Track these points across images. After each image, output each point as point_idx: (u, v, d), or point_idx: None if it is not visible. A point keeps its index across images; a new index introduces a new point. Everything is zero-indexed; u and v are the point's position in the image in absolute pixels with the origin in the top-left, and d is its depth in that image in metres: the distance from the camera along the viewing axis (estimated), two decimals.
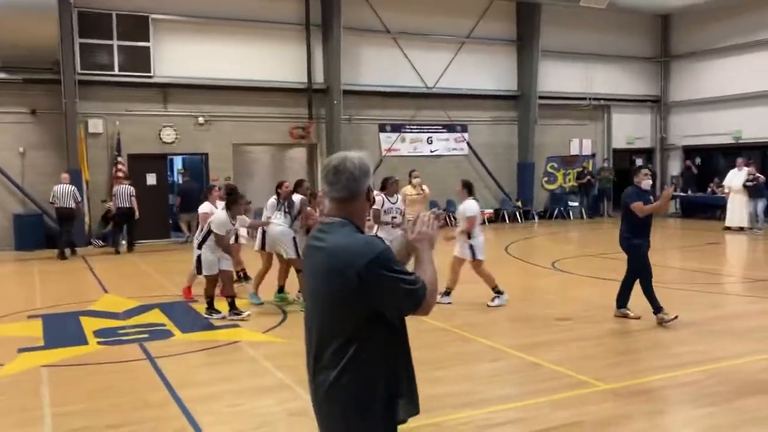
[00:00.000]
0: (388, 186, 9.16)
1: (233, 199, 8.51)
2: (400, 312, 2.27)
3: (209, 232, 8.45)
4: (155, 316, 8.70)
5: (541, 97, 22.07)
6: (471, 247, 8.87)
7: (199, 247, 8.53)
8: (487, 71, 21.62)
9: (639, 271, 7.72)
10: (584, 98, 23.04)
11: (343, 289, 2.21)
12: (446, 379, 5.89)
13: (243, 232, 10.71)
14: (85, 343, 7.46)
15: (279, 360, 6.56)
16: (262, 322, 8.32)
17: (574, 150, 23.44)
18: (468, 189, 9.04)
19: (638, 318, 7.93)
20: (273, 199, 9.28)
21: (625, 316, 8.02)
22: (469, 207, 8.81)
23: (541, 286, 10.54)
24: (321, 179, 2.40)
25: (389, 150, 20.50)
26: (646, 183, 7.73)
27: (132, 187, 16.14)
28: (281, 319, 8.47)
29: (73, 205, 15.21)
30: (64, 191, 15.23)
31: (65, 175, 15.72)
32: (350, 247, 2.22)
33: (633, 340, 7.18)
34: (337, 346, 2.25)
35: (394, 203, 9.08)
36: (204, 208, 9.57)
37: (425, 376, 5.94)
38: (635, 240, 7.64)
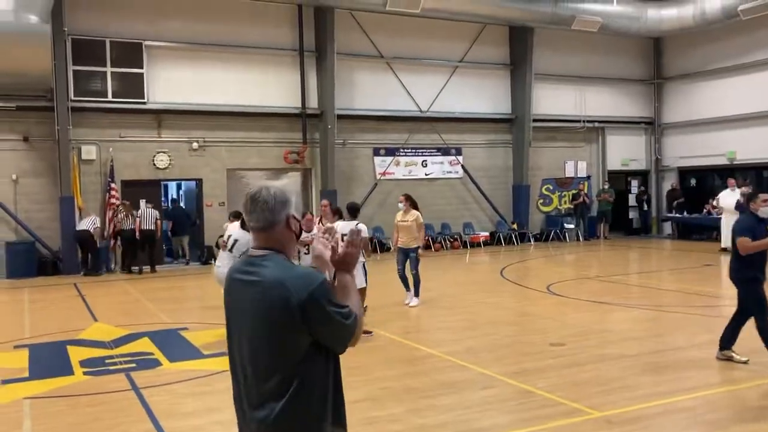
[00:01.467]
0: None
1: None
2: (338, 345, 2.26)
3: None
4: (143, 345, 8.58)
5: (535, 120, 22.13)
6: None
7: None
8: (480, 94, 21.71)
9: (753, 308, 6.78)
10: (578, 120, 23.12)
11: (285, 322, 2.16)
12: (436, 408, 5.77)
13: None
14: (71, 373, 7.34)
15: None
16: None
17: (569, 172, 23.46)
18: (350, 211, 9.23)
19: (746, 362, 6.94)
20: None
21: (730, 359, 7.06)
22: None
23: (535, 311, 10.43)
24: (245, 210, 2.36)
25: (384, 174, 20.49)
26: (764, 210, 6.80)
27: (156, 211, 17.04)
28: None
29: (153, 227, 16.48)
30: (148, 214, 16.60)
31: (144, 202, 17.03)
32: (289, 279, 2.18)
33: (628, 366, 7.06)
34: (281, 379, 2.20)
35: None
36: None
37: (414, 406, 5.83)
38: (747, 273, 6.76)
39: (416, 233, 10.68)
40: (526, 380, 6.54)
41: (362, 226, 8.66)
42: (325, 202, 10.02)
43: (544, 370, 6.94)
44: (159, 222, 16.98)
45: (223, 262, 8.76)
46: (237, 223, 8.88)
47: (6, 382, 7.02)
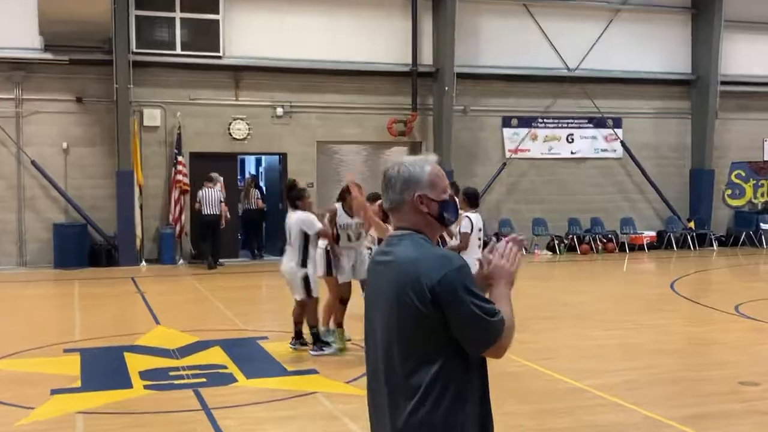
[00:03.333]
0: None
1: (297, 195, 8.96)
2: (473, 345, 2.48)
3: (306, 242, 8.81)
4: (215, 356, 8.94)
5: (724, 83, 21.36)
6: None
7: (304, 264, 8.84)
8: (649, 48, 21.14)
9: None
10: None
11: (416, 306, 2.44)
12: None
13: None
14: (130, 386, 7.76)
15: (362, 419, 6.56)
16: (345, 368, 8.40)
17: None
18: (469, 199, 9.28)
19: None
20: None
21: None
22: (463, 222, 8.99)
23: (717, 338, 10.19)
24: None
25: (515, 151, 20.32)
26: None
27: (222, 192, 17.63)
28: None
29: (218, 211, 17.25)
30: (211, 196, 17.26)
31: (215, 175, 17.51)
32: (421, 260, 2.48)
33: None
34: (412, 375, 2.47)
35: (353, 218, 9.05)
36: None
37: None
38: None
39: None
40: (707, 429, 6.37)
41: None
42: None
43: (730, 416, 6.76)
44: (223, 205, 17.43)
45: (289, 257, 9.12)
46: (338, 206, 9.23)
47: (55, 392, 7.53)
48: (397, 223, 2.67)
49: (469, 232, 8.99)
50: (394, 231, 2.67)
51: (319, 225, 8.88)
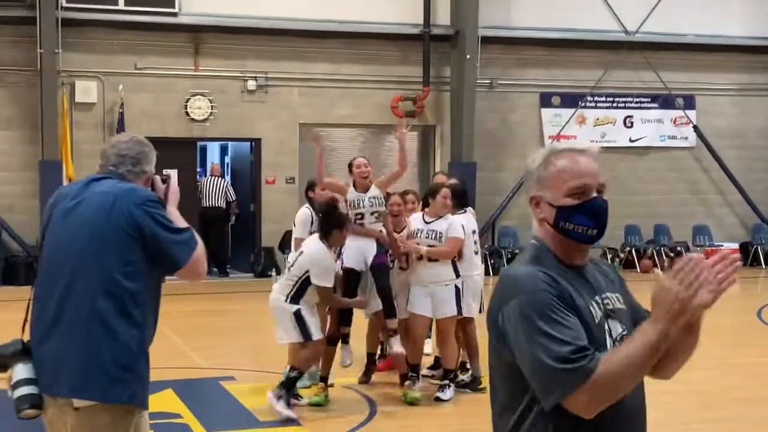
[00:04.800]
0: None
1: (336, 222, 8.58)
2: (540, 394, 2.57)
3: (306, 282, 8.50)
4: (166, 401, 8.85)
5: None
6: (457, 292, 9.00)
7: (296, 299, 8.53)
8: (728, 6, 21.32)
9: None
10: None
11: (492, 336, 2.71)
12: None
13: None
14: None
15: None
16: (335, 417, 8.34)
17: None
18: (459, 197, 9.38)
19: None
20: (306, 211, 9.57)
21: None
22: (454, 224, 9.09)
23: None
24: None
25: (558, 138, 20.30)
26: None
27: (227, 178, 18.58)
28: (367, 414, 8.50)
29: (224, 204, 17.93)
30: (213, 186, 18.04)
31: (215, 165, 18.27)
32: (508, 279, 2.73)
33: None
34: (507, 394, 2.74)
35: (428, 223, 9.14)
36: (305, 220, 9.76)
37: None
38: None
39: None
40: None
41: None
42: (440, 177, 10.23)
43: None
44: (231, 197, 18.66)
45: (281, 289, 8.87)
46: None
47: None
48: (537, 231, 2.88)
49: (461, 237, 9.00)
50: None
51: (332, 279, 8.57)
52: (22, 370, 3.89)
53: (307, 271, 8.40)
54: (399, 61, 19.44)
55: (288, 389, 8.44)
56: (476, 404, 8.47)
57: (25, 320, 4.06)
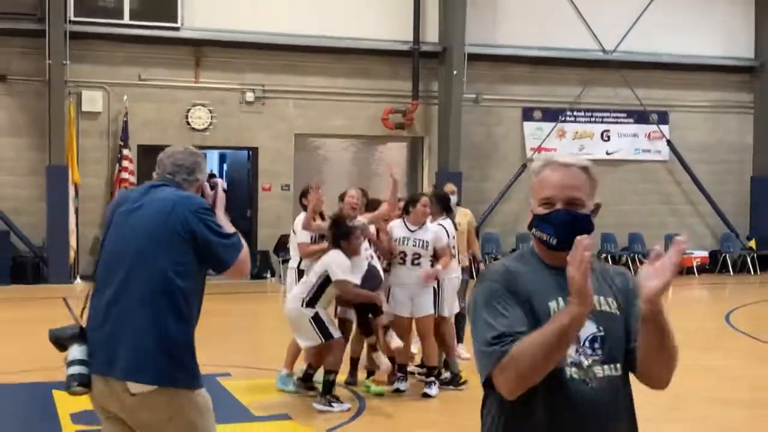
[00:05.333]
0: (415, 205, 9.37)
1: (341, 233, 8.58)
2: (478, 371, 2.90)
3: (325, 282, 8.54)
4: None
5: None
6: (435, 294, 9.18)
7: (312, 304, 8.54)
8: (702, 28, 21.39)
9: None
10: None
11: None
12: None
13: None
14: (59, 431, 7.77)
15: None
16: (326, 415, 8.34)
17: None
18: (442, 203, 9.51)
19: None
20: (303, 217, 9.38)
21: None
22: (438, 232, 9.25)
23: None
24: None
25: (539, 150, 20.49)
26: None
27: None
28: (356, 410, 8.56)
29: None
30: None
31: None
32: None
33: None
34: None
35: (412, 231, 9.18)
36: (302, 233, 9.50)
37: None
38: None
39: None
40: None
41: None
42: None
43: None
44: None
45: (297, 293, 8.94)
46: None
47: None
48: None
49: (447, 241, 9.20)
50: None
51: (351, 275, 8.50)
52: (76, 351, 4.17)
53: (326, 272, 8.43)
54: (390, 75, 19.63)
55: (328, 393, 8.47)
56: (462, 400, 8.67)
57: (83, 308, 4.36)
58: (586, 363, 2.80)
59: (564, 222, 2.78)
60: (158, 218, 4.25)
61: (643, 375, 2.88)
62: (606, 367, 2.84)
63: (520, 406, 2.75)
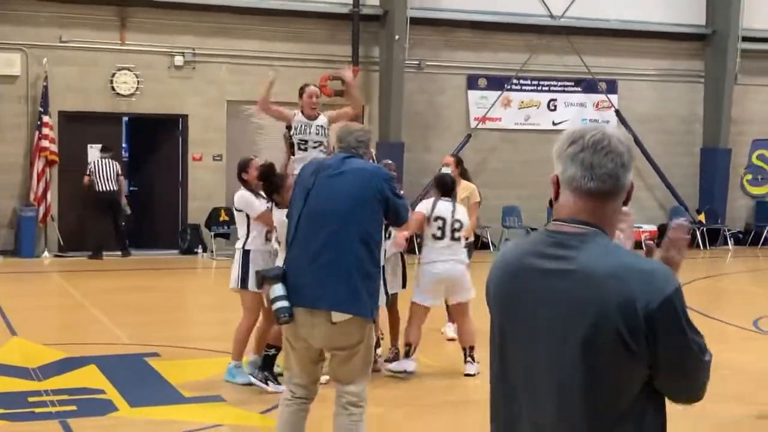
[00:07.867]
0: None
1: (275, 187, 8.37)
2: (685, 390, 2.44)
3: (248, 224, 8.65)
4: (90, 377, 8.81)
5: (746, 39, 21.82)
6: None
7: (243, 244, 8.61)
8: None
9: None
10: None
11: (618, 338, 2.30)
12: None
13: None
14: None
15: None
16: (257, 394, 8.29)
17: None
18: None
19: None
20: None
21: None
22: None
23: (732, 360, 10.18)
24: (559, 159, 2.53)
25: (483, 119, 20.47)
26: None
27: (117, 162, 17.79)
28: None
29: (116, 187, 17.42)
30: (106, 168, 17.45)
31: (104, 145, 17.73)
32: (631, 273, 2.33)
33: None
34: (597, 428, 2.36)
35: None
36: (252, 202, 8.87)
37: None
38: None
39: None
40: None
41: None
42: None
43: None
44: (122, 179, 17.79)
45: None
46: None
47: None
48: (589, 215, 2.47)
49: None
50: (568, 225, 2.47)
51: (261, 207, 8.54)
52: (279, 289, 5.37)
53: (246, 216, 8.56)
54: (328, 39, 19.42)
55: (266, 369, 8.30)
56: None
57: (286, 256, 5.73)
58: None
59: None
60: (361, 183, 5.58)
61: None
62: None
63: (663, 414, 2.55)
